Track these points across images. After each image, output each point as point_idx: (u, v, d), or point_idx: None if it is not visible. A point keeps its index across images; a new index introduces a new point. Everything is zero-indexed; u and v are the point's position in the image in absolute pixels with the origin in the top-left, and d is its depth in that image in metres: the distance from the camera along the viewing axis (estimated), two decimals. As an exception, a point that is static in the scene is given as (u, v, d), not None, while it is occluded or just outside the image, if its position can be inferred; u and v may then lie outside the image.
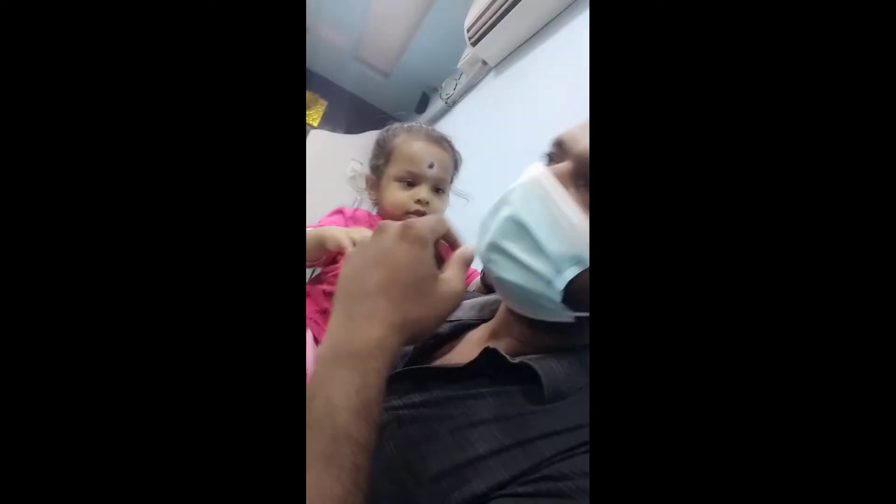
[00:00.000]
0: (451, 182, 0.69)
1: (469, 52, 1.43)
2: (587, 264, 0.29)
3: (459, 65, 1.56)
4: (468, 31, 1.29)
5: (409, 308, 0.26)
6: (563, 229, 0.29)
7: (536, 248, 0.29)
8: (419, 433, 0.30)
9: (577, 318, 0.31)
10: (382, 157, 0.67)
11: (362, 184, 0.72)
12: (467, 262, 0.30)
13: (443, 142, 0.67)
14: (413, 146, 0.64)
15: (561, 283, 0.29)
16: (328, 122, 2.27)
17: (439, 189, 0.66)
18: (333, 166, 1.67)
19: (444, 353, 0.43)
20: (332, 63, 1.99)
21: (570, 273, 0.29)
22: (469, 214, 0.66)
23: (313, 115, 2.29)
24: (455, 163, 0.69)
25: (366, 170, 0.72)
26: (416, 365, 0.39)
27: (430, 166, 0.64)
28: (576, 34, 1.02)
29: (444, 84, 1.72)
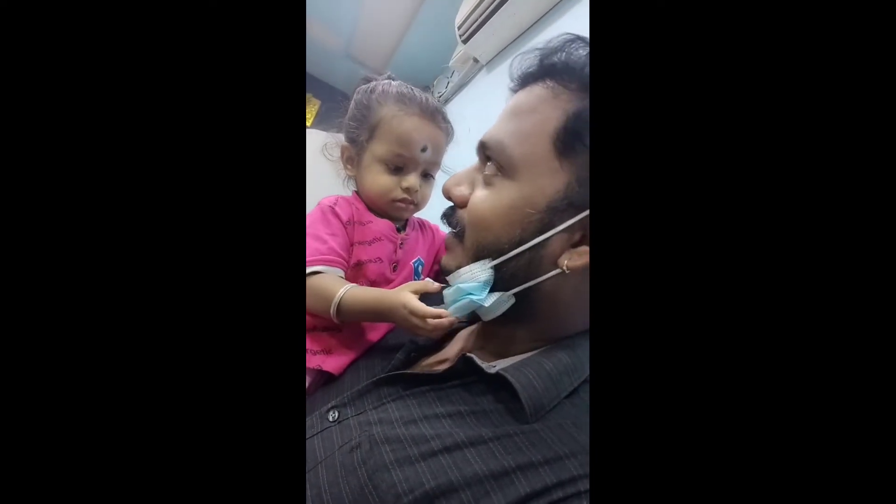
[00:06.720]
0: (441, 162, 0.60)
1: (460, 49, 1.43)
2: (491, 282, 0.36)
3: (451, 63, 1.56)
4: (459, 28, 1.29)
5: None
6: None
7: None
8: (391, 456, 0.30)
9: (516, 293, 0.36)
10: (365, 129, 0.56)
11: (336, 153, 0.61)
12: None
13: (437, 116, 0.57)
14: (405, 124, 0.54)
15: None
16: (322, 122, 2.27)
17: (428, 174, 0.58)
18: (325, 165, 1.66)
19: (434, 356, 0.45)
20: (325, 63, 1.98)
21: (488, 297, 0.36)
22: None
23: (307, 115, 2.29)
24: (447, 139, 0.60)
25: (340, 138, 0.60)
26: (405, 369, 0.40)
27: (424, 150, 0.54)
28: (567, 30, 1.02)
29: (436, 82, 1.73)
